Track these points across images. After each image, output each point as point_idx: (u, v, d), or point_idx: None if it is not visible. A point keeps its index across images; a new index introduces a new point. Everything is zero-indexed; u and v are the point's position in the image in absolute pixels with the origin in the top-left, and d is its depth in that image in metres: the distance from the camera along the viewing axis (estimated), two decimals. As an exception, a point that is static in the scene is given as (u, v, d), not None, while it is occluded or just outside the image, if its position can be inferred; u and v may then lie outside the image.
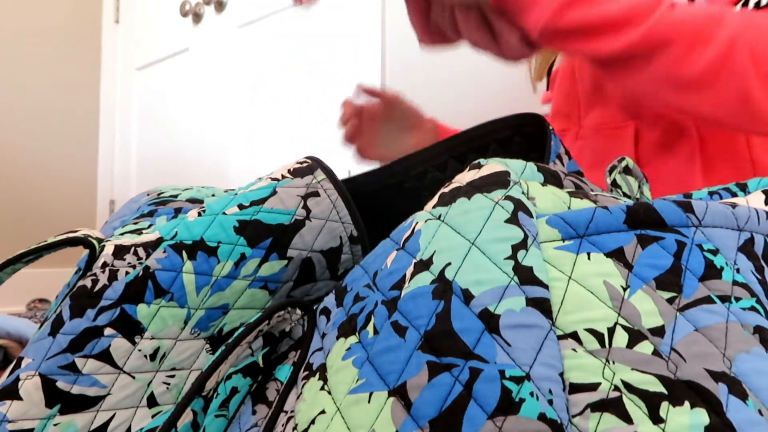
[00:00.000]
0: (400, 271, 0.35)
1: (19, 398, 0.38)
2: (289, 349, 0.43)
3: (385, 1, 1.81)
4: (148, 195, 0.58)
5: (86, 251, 0.45)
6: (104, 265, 0.43)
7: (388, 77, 1.79)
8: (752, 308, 0.31)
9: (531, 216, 0.36)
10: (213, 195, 0.59)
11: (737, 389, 0.28)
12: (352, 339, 0.33)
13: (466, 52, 1.61)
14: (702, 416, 0.27)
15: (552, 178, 0.42)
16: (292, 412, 0.33)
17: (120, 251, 0.44)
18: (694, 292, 0.31)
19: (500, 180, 0.39)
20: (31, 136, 2.65)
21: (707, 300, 0.30)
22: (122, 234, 0.50)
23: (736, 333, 0.29)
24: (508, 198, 0.37)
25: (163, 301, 0.42)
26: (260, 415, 0.38)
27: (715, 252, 0.32)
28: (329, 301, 0.41)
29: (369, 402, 0.29)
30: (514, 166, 0.41)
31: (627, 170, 0.51)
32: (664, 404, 0.27)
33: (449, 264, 0.33)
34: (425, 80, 1.71)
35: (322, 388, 0.32)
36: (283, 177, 0.50)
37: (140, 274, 0.42)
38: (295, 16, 2.08)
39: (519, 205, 0.36)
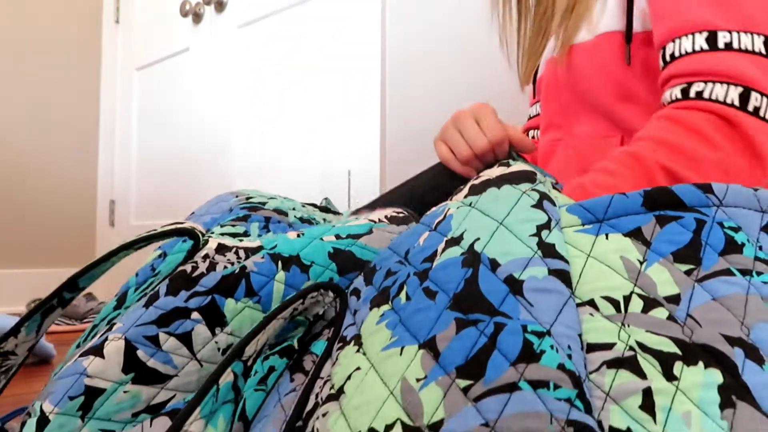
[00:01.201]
0: (432, 248, 0.37)
1: (102, 356, 0.41)
2: (322, 329, 0.45)
3: (385, 1, 1.82)
4: (236, 197, 0.62)
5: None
6: (206, 256, 0.46)
7: (387, 77, 1.81)
8: (772, 284, 0.32)
9: (555, 205, 0.38)
10: (294, 208, 0.62)
11: (754, 355, 0.29)
12: (385, 307, 0.35)
13: (465, 53, 1.63)
14: (716, 376, 0.28)
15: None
16: (328, 377, 0.35)
17: (222, 248, 0.47)
18: (713, 265, 0.32)
19: (528, 176, 0.42)
20: (31, 136, 2.66)
21: (727, 272, 0.31)
22: (222, 234, 0.54)
23: (755, 304, 0.30)
24: (534, 190, 0.40)
25: (251, 302, 0.45)
26: (298, 382, 0.41)
27: (736, 229, 0.33)
28: (358, 282, 0.44)
29: (401, 355, 0.31)
30: (538, 170, 0.44)
31: None
32: (678, 363, 0.28)
33: (478, 239, 0.35)
34: (425, 80, 1.72)
35: (357, 351, 0.34)
36: (380, 221, 0.54)
37: (237, 271, 0.45)
38: (295, 16, 2.09)
39: (544, 196, 0.39)
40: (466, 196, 0.42)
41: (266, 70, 2.19)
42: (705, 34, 0.62)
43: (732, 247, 0.33)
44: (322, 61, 1.99)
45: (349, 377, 0.32)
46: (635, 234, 0.34)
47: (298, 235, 0.50)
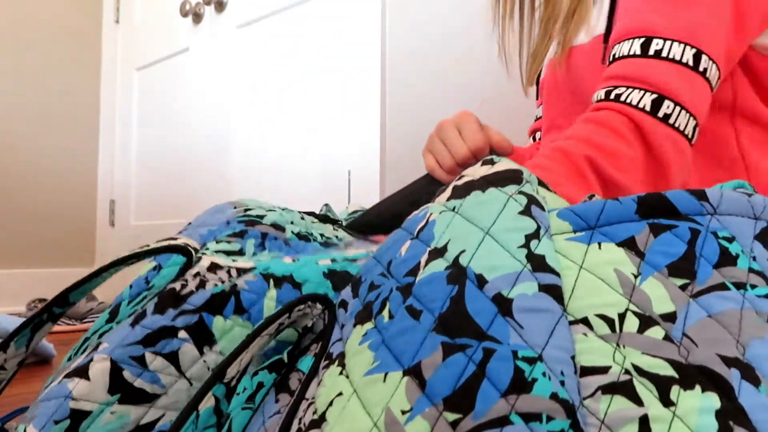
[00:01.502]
0: (415, 259, 0.35)
1: (88, 378, 0.40)
2: (311, 343, 0.44)
3: (385, 1, 1.81)
4: (234, 207, 0.61)
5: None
6: (197, 274, 0.45)
7: (387, 77, 1.80)
8: (767, 296, 0.31)
9: (543, 210, 0.36)
10: (292, 222, 0.62)
11: (750, 375, 0.28)
12: (369, 325, 0.34)
13: (466, 53, 1.62)
14: (713, 400, 0.27)
15: (548, 189, 0.43)
16: (313, 398, 0.34)
17: (214, 267, 0.46)
18: (708, 279, 0.31)
19: (514, 177, 0.40)
20: (31, 136, 2.66)
21: (721, 287, 0.30)
22: (216, 252, 0.53)
23: (750, 319, 0.29)
24: (521, 193, 0.38)
25: (240, 320, 0.44)
26: (283, 403, 0.39)
27: (730, 239, 0.32)
28: (346, 293, 0.42)
29: (384, 381, 0.29)
30: (524, 168, 0.42)
31: None
32: (675, 388, 0.27)
33: (463, 251, 0.33)
34: (425, 80, 1.71)
35: (341, 373, 0.33)
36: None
37: (227, 289, 0.44)
38: (295, 16, 2.08)
39: (532, 200, 0.37)
40: (449, 199, 0.40)
41: (266, 70, 2.18)
42: (642, 40, 0.65)
43: (726, 258, 0.31)
44: (322, 61, 1.98)
45: (330, 403, 0.31)
46: (629, 244, 0.33)
47: (293, 260, 0.49)
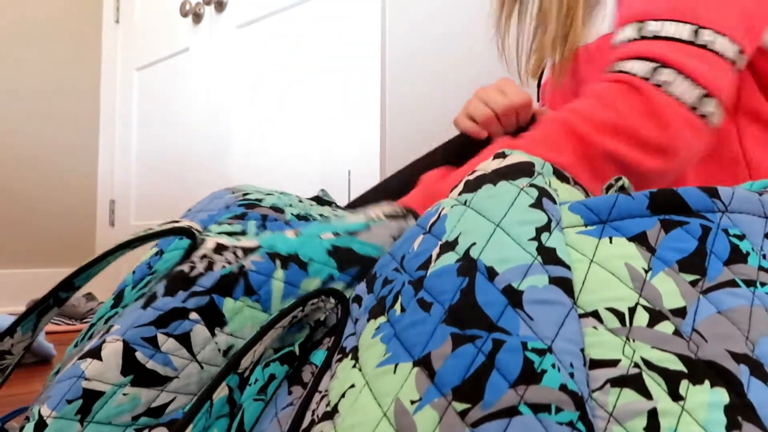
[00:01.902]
0: (426, 253, 0.35)
1: (100, 359, 0.40)
2: (323, 336, 0.45)
3: (385, 1, 1.81)
4: (232, 193, 0.61)
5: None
6: (204, 256, 0.45)
7: (387, 77, 1.80)
8: (777, 293, 0.31)
9: (554, 202, 0.37)
10: (291, 205, 0.62)
11: (759, 371, 0.28)
12: (381, 319, 0.34)
13: (466, 53, 1.62)
14: (722, 395, 0.27)
15: (565, 179, 0.43)
16: (326, 391, 0.34)
17: (220, 248, 0.46)
18: (718, 276, 0.31)
19: (525, 169, 0.40)
20: (31, 135, 2.66)
21: (731, 283, 0.30)
22: (219, 233, 0.53)
23: (760, 317, 0.29)
24: (532, 185, 0.38)
25: (249, 301, 0.44)
26: (296, 395, 0.40)
27: (741, 237, 0.32)
28: (361, 289, 0.43)
29: (395, 373, 0.30)
30: (536, 160, 0.42)
31: (623, 189, 0.52)
32: (684, 382, 0.27)
33: (474, 244, 0.33)
34: (425, 80, 1.71)
35: (354, 366, 0.33)
36: (378, 217, 0.53)
37: (235, 270, 0.44)
38: (295, 16, 2.08)
39: (543, 192, 0.37)
40: (460, 193, 0.40)
41: (266, 70, 2.18)
42: (637, 25, 0.66)
43: (737, 256, 0.31)
44: (322, 61, 1.98)
45: (343, 395, 0.31)
46: (640, 239, 0.33)
47: (296, 234, 0.49)
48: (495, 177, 0.40)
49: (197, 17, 2.49)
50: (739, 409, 0.27)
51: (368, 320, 0.36)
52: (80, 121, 2.85)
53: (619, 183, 0.52)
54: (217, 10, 2.41)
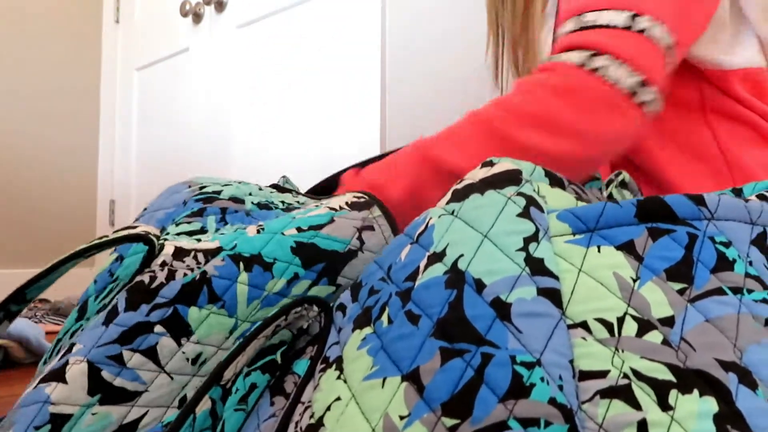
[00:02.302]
0: (414, 264, 0.35)
1: (65, 382, 0.39)
2: (306, 345, 0.44)
3: (385, 1, 1.81)
4: (189, 187, 0.60)
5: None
6: (163, 264, 0.44)
7: (387, 77, 1.80)
8: (764, 300, 0.31)
9: (542, 211, 0.36)
10: (251, 194, 0.60)
11: (747, 379, 0.28)
12: (368, 330, 0.34)
13: (466, 53, 1.62)
14: (711, 404, 0.27)
15: (557, 183, 0.42)
16: (309, 402, 0.34)
17: (179, 253, 0.45)
18: (705, 284, 0.31)
19: (512, 177, 0.40)
20: (31, 136, 2.66)
21: (719, 291, 0.31)
22: (177, 234, 0.52)
23: (747, 324, 0.30)
24: (520, 194, 0.38)
25: (214, 308, 0.43)
26: (278, 406, 0.39)
27: (727, 244, 0.32)
28: (345, 297, 0.42)
29: (383, 387, 0.29)
30: (524, 166, 0.42)
31: (623, 184, 0.52)
32: (673, 392, 0.27)
33: (462, 255, 0.33)
34: (425, 80, 1.71)
35: (338, 378, 0.33)
36: (341, 208, 0.52)
37: (197, 277, 0.43)
38: (295, 16, 2.08)
39: (531, 201, 0.37)
40: (448, 203, 0.40)
41: (266, 70, 2.18)
42: (576, 18, 0.67)
43: (723, 263, 0.32)
44: (322, 61, 1.98)
45: (329, 408, 0.31)
46: (628, 247, 0.33)
47: (258, 231, 0.48)
48: (482, 186, 0.39)
49: (197, 17, 2.49)
50: (728, 418, 0.27)
51: (353, 330, 0.35)
52: (80, 121, 2.85)
53: (620, 178, 0.52)
54: (217, 10, 2.41)
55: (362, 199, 0.54)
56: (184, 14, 2.49)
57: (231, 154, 2.29)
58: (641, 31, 0.62)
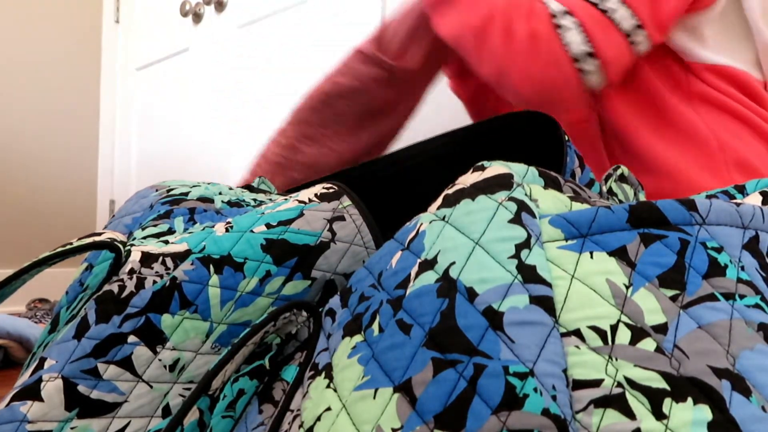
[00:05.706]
0: (405, 271, 0.35)
1: (41, 399, 0.38)
2: (295, 351, 0.44)
3: (385, 1, 1.81)
4: (156, 191, 0.59)
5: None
6: (132, 271, 0.44)
7: (387, 77, 1.79)
8: (756, 305, 0.31)
9: (534, 216, 0.36)
10: (220, 193, 0.60)
11: (741, 386, 0.28)
12: (358, 338, 0.34)
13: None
14: (705, 412, 0.27)
15: (552, 183, 0.42)
16: (298, 410, 0.34)
17: (148, 259, 0.44)
18: (697, 290, 0.31)
19: (503, 182, 0.40)
20: (31, 136, 2.65)
21: (711, 297, 0.30)
22: (144, 238, 0.51)
23: (740, 330, 0.29)
24: (511, 199, 0.37)
25: (188, 313, 0.43)
26: (266, 414, 0.38)
27: (719, 250, 0.32)
28: (334, 302, 0.42)
29: (374, 398, 0.29)
30: (517, 169, 0.42)
31: (622, 178, 0.52)
32: (667, 400, 0.27)
33: (453, 263, 0.33)
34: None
35: (328, 386, 0.32)
36: (310, 200, 0.51)
37: (167, 284, 0.43)
38: (295, 16, 2.08)
39: (522, 206, 0.37)
40: (439, 208, 0.39)
41: (266, 70, 2.18)
42: None
43: (715, 269, 0.31)
44: (322, 61, 1.98)
45: (319, 418, 0.31)
46: (620, 253, 0.33)
47: (227, 229, 0.47)
48: (473, 191, 0.39)
49: (197, 17, 2.49)
50: (722, 425, 0.26)
51: (343, 337, 0.35)
52: (80, 121, 2.85)
53: (618, 172, 0.51)
54: (217, 10, 2.41)
55: (331, 190, 0.53)
56: (184, 14, 2.49)
57: (231, 153, 2.29)
58: (604, 11, 0.67)
